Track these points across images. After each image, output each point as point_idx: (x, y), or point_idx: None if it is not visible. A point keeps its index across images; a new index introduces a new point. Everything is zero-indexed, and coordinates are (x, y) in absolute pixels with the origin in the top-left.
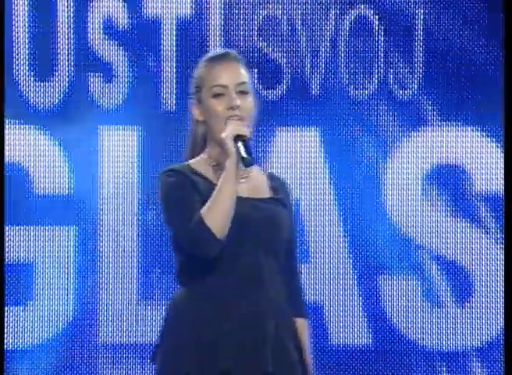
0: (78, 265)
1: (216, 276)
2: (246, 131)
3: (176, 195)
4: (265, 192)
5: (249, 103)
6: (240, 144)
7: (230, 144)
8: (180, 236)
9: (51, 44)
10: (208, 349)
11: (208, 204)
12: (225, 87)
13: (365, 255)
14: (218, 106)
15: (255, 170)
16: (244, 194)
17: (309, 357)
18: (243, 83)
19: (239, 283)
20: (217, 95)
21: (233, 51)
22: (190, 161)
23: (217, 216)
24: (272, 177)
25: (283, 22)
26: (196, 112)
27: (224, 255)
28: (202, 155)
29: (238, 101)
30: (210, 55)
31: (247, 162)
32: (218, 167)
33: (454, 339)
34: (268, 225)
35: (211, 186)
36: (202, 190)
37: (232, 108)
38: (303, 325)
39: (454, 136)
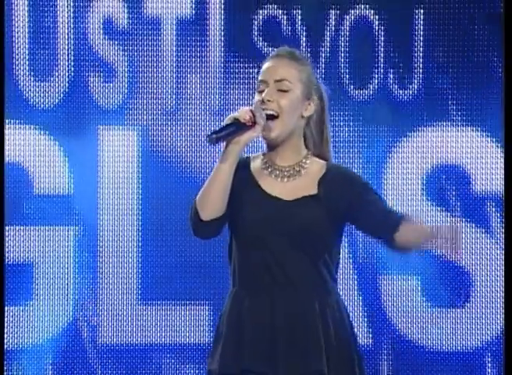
0: (78, 265)
1: (243, 278)
2: (243, 115)
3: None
4: (306, 190)
5: (285, 101)
6: (225, 123)
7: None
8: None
9: (51, 44)
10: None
11: (203, 186)
12: (264, 82)
13: (365, 255)
14: (257, 101)
15: (313, 167)
16: (276, 193)
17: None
18: (283, 80)
19: (264, 288)
20: (259, 91)
21: (292, 51)
22: (255, 154)
23: (203, 198)
24: (328, 171)
25: (283, 22)
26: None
27: (252, 254)
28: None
29: (268, 96)
30: (275, 51)
31: (208, 139)
32: (266, 162)
33: (454, 339)
34: (293, 226)
35: (253, 180)
36: (245, 183)
37: (263, 101)
38: (406, 227)
39: (454, 136)
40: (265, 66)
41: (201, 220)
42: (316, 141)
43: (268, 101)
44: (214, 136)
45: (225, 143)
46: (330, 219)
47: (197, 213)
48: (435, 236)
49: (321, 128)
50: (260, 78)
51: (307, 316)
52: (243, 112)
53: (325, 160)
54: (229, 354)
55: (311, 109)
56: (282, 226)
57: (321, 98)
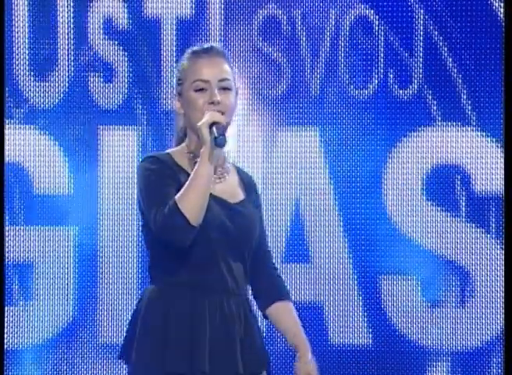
0: (78, 265)
1: (184, 275)
2: (221, 118)
3: (153, 182)
4: (239, 194)
5: (230, 99)
6: (214, 128)
7: (205, 130)
8: (155, 223)
9: (51, 44)
10: (182, 348)
11: (182, 190)
12: (206, 82)
13: (365, 255)
14: (198, 100)
15: (232, 170)
16: (222, 196)
17: (302, 339)
18: (226, 79)
19: (206, 285)
20: (199, 90)
21: (218, 46)
22: (170, 150)
23: (191, 201)
24: (241, 175)
25: (283, 22)
26: (177, 106)
27: (195, 254)
28: (182, 145)
29: (219, 97)
30: (194, 48)
31: (220, 142)
32: (194, 157)
33: (454, 339)
34: (242, 231)
35: (186, 176)
36: (177, 179)
37: (212, 103)
38: (286, 307)
39: (454, 136)
40: (200, 64)
41: (191, 226)
42: None
43: (219, 103)
44: (223, 138)
45: (203, 147)
46: (260, 224)
47: (184, 220)
48: None
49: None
50: (197, 77)
51: (235, 318)
52: (215, 116)
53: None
54: (152, 355)
55: (237, 101)
56: (234, 229)
57: None
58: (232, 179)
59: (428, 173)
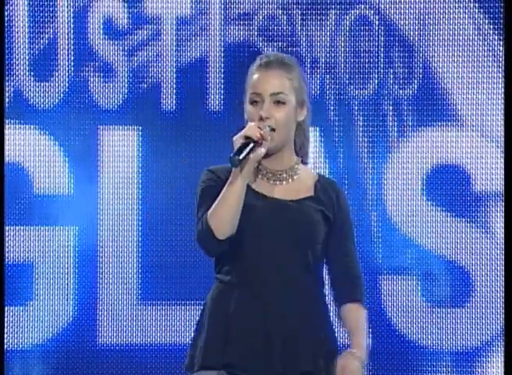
0: (78, 265)
1: (240, 276)
2: (255, 133)
3: (202, 193)
4: (304, 192)
5: (281, 115)
6: (237, 143)
7: (235, 144)
8: (195, 233)
9: (51, 44)
10: (228, 344)
11: (213, 204)
12: (259, 95)
13: (365, 255)
14: (252, 114)
15: (305, 173)
16: (276, 195)
17: (359, 349)
18: (279, 93)
19: (260, 287)
20: (253, 102)
21: (282, 57)
22: None
23: (218, 216)
24: (319, 179)
25: (283, 22)
26: (245, 114)
27: (247, 253)
28: None
29: (267, 113)
30: (261, 58)
31: (232, 162)
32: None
33: (454, 339)
34: (297, 226)
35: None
36: None
37: (261, 118)
38: (353, 310)
39: (454, 136)
40: (256, 76)
41: (217, 239)
42: (299, 142)
43: (267, 118)
44: (236, 157)
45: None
46: (325, 223)
47: (211, 232)
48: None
49: (305, 129)
50: (253, 90)
51: (299, 317)
52: (252, 130)
53: (304, 160)
54: (214, 347)
55: (303, 114)
56: (285, 225)
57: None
58: (300, 182)
59: (428, 173)
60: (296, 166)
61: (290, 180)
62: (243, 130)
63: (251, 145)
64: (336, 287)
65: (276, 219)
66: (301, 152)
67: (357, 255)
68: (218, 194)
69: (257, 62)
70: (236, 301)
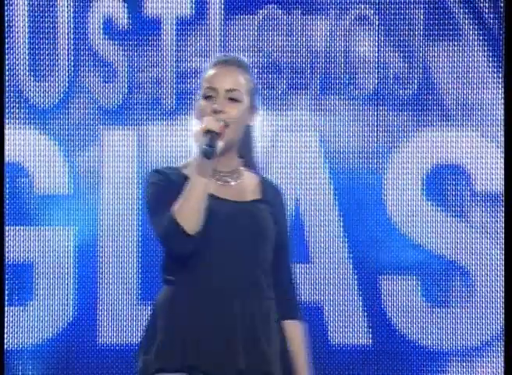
0: (78, 265)
1: (195, 277)
2: (216, 126)
3: (155, 193)
4: (252, 195)
5: (236, 111)
6: (204, 137)
7: (198, 138)
8: (156, 233)
9: (51, 44)
10: (185, 346)
11: (178, 200)
12: (214, 89)
13: (365, 255)
14: (205, 107)
15: (248, 175)
16: (227, 197)
17: (303, 363)
18: (234, 90)
19: (216, 287)
20: (207, 97)
21: (239, 59)
22: (182, 163)
23: (186, 211)
24: (264, 181)
25: (283, 22)
26: (195, 111)
27: (201, 252)
28: (193, 156)
29: (221, 107)
30: (219, 57)
31: (207, 153)
32: None
33: (454, 339)
34: (249, 226)
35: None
36: (182, 190)
37: (215, 111)
38: (294, 328)
39: (454, 136)
40: (213, 72)
41: (188, 235)
42: (247, 149)
43: (220, 111)
44: (213, 149)
45: (198, 156)
46: (274, 224)
47: (180, 229)
48: None
49: (254, 137)
50: (208, 85)
51: (258, 318)
52: (213, 123)
53: (253, 166)
54: (171, 350)
55: (254, 119)
56: (240, 225)
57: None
58: (247, 183)
59: (428, 173)
60: (241, 169)
61: (236, 180)
62: (203, 124)
63: (216, 138)
64: (276, 300)
65: (230, 220)
66: (249, 160)
67: (290, 263)
68: (171, 194)
69: (215, 60)
70: (192, 302)
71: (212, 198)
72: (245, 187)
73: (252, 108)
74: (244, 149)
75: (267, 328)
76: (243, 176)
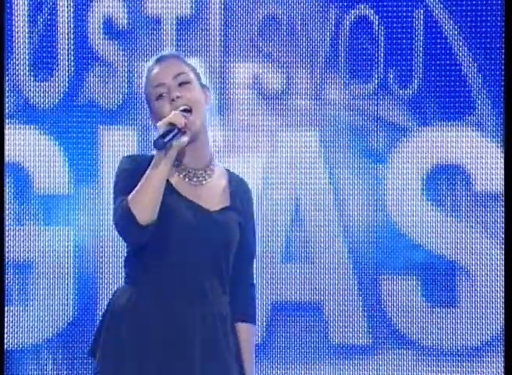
0: (78, 265)
1: (155, 279)
2: (180, 120)
3: (119, 179)
4: (222, 201)
5: (191, 92)
6: (161, 129)
7: (160, 131)
8: (112, 219)
9: (51, 44)
10: (139, 351)
11: (134, 190)
12: (163, 84)
13: (365, 255)
14: (163, 107)
15: (218, 171)
16: (198, 202)
17: (252, 369)
18: (180, 73)
19: (175, 291)
20: (159, 96)
21: (172, 52)
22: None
23: (140, 201)
24: (231, 180)
25: (283, 22)
26: (152, 121)
27: (166, 255)
28: None
29: (177, 93)
30: (151, 60)
31: (156, 144)
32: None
33: (454, 339)
34: (216, 239)
35: None
36: None
37: (173, 100)
38: (248, 331)
39: (454, 136)
40: (154, 72)
41: (140, 225)
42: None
43: (178, 97)
44: (161, 140)
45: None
46: (240, 231)
47: (132, 218)
48: None
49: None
50: (155, 84)
51: (214, 324)
52: (177, 117)
53: (207, 152)
54: (132, 353)
55: (208, 99)
56: (208, 237)
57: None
58: (217, 183)
59: (428, 173)
60: (213, 163)
61: (208, 179)
62: (168, 117)
63: (175, 131)
64: (232, 301)
65: (197, 229)
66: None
67: (253, 260)
68: (136, 181)
69: (150, 62)
70: (150, 304)
71: (182, 198)
72: (215, 189)
73: (203, 88)
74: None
75: (225, 333)
76: (214, 174)
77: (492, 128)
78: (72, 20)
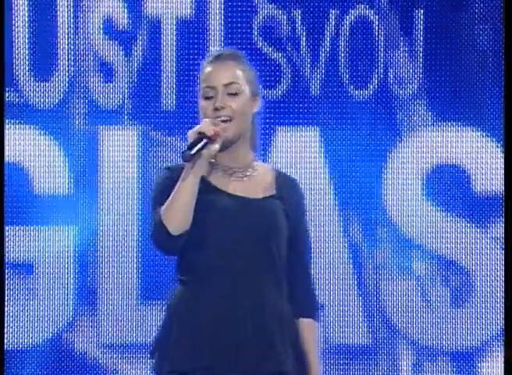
0: (78, 265)
1: (205, 276)
2: (209, 130)
3: (156, 190)
4: (265, 191)
5: (237, 104)
6: (190, 139)
7: (188, 141)
8: (150, 232)
9: (51, 44)
10: (197, 348)
11: (166, 202)
12: (213, 88)
13: (365, 255)
14: (207, 108)
15: (263, 169)
16: (238, 193)
17: (314, 362)
18: (232, 83)
19: (226, 286)
20: (207, 97)
21: (231, 51)
22: None
23: (171, 212)
24: (278, 176)
25: (283, 22)
26: (199, 112)
27: (210, 252)
28: None
29: (221, 103)
30: (212, 53)
31: (184, 156)
32: (213, 166)
33: (454, 339)
34: (258, 224)
35: (202, 184)
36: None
37: (216, 109)
38: (306, 326)
39: (454, 136)
40: (208, 70)
41: (171, 235)
42: (251, 135)
43: (222, 108)
44: (188, 152)
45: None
46: (287, 222)
47: (164, 229)
48: None
49: (257, 122)
50: (205, 84)
51: (267, 317)
52: (206, 126)
53: (247, 153)
54: (184, 351)
55: (257, 105)
56: (253, 224)
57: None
58: (260, 179)
59: (428, 173)
60: (254, 163)
61: (251, 175)
62: (198, 126)
63: (204, 141)
64: (292, 297)
65: (240, 218)
66: (252, 146)
67: (310, 257)
68: (171, 193)
69: (209, 57)
70: (201, 303)
71: (220, 192)
72: (258, 182)
73: (254, 96)
74: (252, 139)
75: (279, 327)
76: (257, 171)
77: (492, 128)
78: (72, 20)
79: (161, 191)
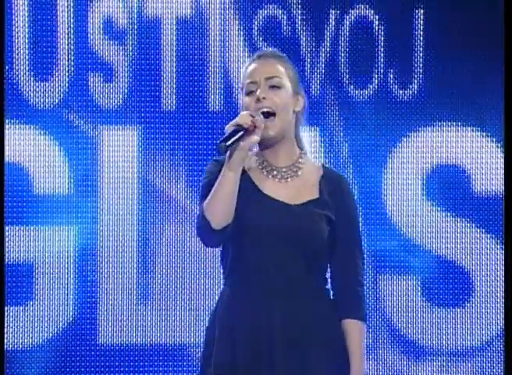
0: (78, 265)
1: (241, 280)
2: (247, 121)
3: (205, 183)
4: (308, 195)
5: (279, 97)
6: (227, 131)
7: (226, 134)
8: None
9: (51, 44)
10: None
11: (209, 195)
12: (254, 83)
13: (365, 255)
14: (249, 103)
15: (309, 168)
16: (279, 197)
17: (356, 363)
18: (274, 77)
19: (260, 293)
20: (249, 93)
21: (274, 51)
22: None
23: (212, 206)
24: (325, 175)
25: (283, 22)
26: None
27: (249, 256)
28: None
29: (263, 94)
30: (256, 53)
31: (219, 148)
32: (257, 159)
33: (454, 339)
34: (297, 231)
35: (244, 178)
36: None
37: (258, 100)
38: (349, 327)
39: (454, 136)
40: (251, 68)
41: (213, 229)
42: (297, 135)
43: (264, 98)
44: (223, 144)
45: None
46: (328, 226)
47: (207, 223)
48: None
49: (301, 123)
50: (248, 80)
51: (304, 320)
52: (244, 118)
53: (292, 152)
54: (223, 354)
55: (300, 104)
56: (288, 231)
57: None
58: (306, 179)
59: (428, 173)
60: (300, 160)
61: (295, 176)
62: (234, 119)
63: (241, 133)
64: (337, 298)
65: (280, 224)
66: (298, 143)
67: (360, 256)
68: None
69: (252, 57)
70: (238, 303)
71: (266, 198)
72: (303, 184)
73: (296, 94)
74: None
75: (315, 328)
76: (303, 171)
77: (492, 128)
78: (72, 20)
79: (207, 182)
